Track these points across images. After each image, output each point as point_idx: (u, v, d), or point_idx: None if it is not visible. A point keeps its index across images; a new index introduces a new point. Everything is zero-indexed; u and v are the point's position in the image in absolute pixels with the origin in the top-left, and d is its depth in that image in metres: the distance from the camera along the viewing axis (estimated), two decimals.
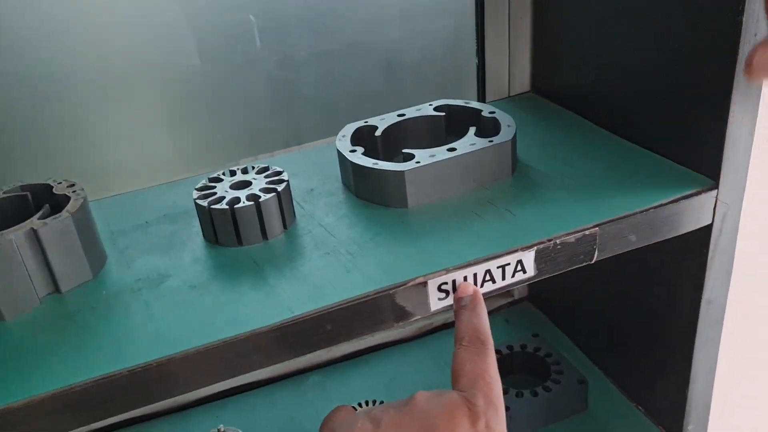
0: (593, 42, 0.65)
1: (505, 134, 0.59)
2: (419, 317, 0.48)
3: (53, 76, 0.65)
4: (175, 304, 0.48)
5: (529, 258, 0.50)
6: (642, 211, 0.52)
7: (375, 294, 0.46)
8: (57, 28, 0.64)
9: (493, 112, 0.62)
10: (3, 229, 0.48)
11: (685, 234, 0.55)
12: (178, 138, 0.74)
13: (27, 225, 0.48)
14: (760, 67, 0.38)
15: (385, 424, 0.39)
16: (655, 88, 0.58)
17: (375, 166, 0.56)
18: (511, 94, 0.78)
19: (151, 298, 0.49)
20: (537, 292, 0.89)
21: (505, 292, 0.90)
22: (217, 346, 0.44)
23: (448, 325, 0.87)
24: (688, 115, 0.55)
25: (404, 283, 0.47)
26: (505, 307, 0.89)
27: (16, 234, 0.47)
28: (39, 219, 0.49)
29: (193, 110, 0.73)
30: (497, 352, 0.75)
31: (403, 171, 0.55)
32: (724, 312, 0.60)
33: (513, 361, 0.76)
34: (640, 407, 0.72)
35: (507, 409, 0.68)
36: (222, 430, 0.67)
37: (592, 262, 0.52)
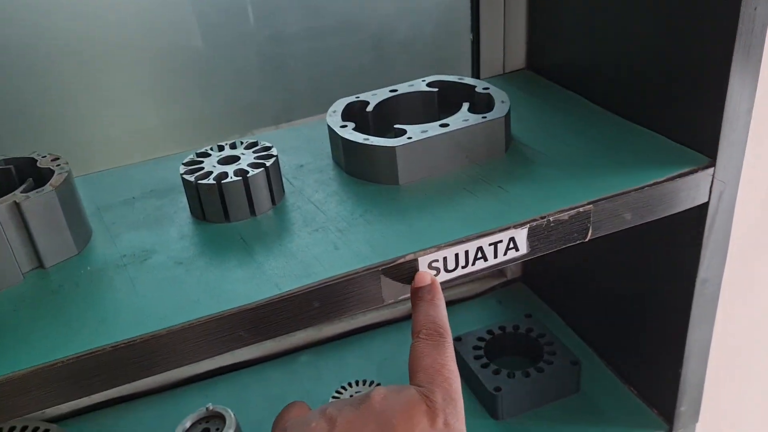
0: (589, 18, 0.64)
1: (499, 110, 0.57)
2: (407, 296, 0.48)
3: (38, 47, 0.64)
4: (161, 280, 0.47)
5: (521, 235, 0.49)
6: (637, 189, 0.51)
7: (363, 271, 0.46)
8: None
9: (487, 88, 0.61)
10: None
11: (681, 212, 0.54)
12: (167, 114, 0.72)
13: (9, 198, 0.47)
14: None
15: (341, 423, 0.38)
16: (652, 65, 0.57)
17: (366, 142, 0.55)
18: (506, 71, 0.77)
19: (136, 274, 0.48)
20: (531, 273, 0.88)
21: (498, 272, 0.90)
22: (203, 322, 0.43)
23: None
24: (685, 93, 0.54)
25: (394, 260, 0.46)
26: (498, 287, 0.88)
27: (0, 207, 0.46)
28: (22, 192, 0.48)
29: (183, 85, 0.72)
30: (489, 332, 0.75)
31: (395, 147, 0.54)
32: (719, 292, 0.59)
33: (505, 342, 0.75)
34: (632, 389, 0.71)
35: (498, 389, 0.68)
36: (210, 408, 0.67)
37: (586, 240, 0.51)
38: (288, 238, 0.50)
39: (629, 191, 0.51)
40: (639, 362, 0.70)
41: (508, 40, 0.75)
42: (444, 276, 0.48)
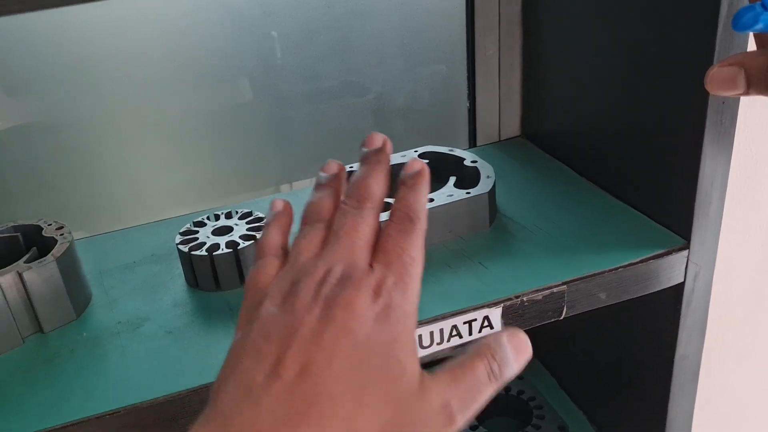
0: (576, 92, 0.66)
1: (484, 186, 0.60)
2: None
3: (52, 113, 0.68)
4: (150, 350, 0.49)
5: (496, 314, 0.51)
6: (611, 270, 0.53)
7: None
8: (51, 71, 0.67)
9: (475, 161, 0.63)
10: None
11: (659, 291, 0.55)
12: (175, 175, 0.76)
13: (13, 269, 0.50)
14: (714, 81, 0.39)
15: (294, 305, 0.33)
16: (632, 143, 0.59)
17: None
18: (501, 139, 0.79)
19: (127, 343, 0.50)
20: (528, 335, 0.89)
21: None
22: (183, 396, 0.45)
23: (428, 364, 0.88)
24: (662, 174, 0.56)
25: None
26: None
27: (4, 278, 0.50)
28: (25, 263, 0.51)
29: (191, 148, 0.75)
30: None
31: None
32: (698, 367, 0.60)
33: (496, 403, 0.76)
34: None
35: None
36: None
37: (561, 318, 0.53)
38: None
39: (603, 272, 0.53)
40: (626, 430, 0.70)
41: (503, 108, 0.78)
42: (419, 352, 0.50)
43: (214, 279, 0.55)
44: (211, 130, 0.75)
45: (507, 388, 0.76)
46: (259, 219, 0.58)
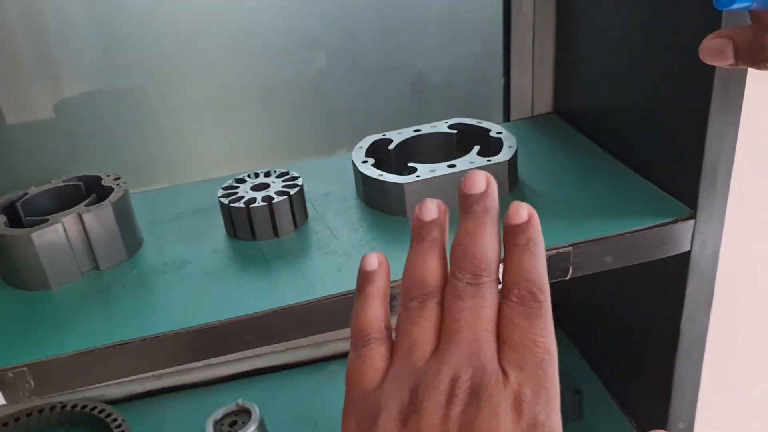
0: (604, 68, 0.69)
1: (504, 155, 0.63)
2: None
3: (120, 79, 0.75)
4: (191, 287, 0.55)
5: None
6: (618, 235, 0.56)
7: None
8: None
9: (500, 133, 0.67)
10: (58, 212, 0.57)
11: (666, 258, 0.58)
12: (225, 140, 0.82)
13: (75, 210, 0.57)
14: (705, 51, 0.39)
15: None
16: (648, 117, 0.62)
17: (380, 178, 0.62)
18: (534, 114, 0.82)
19: (172, 280, 0.57)
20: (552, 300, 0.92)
21: None
22: (217, 326, 0.51)
23: None
24: (672, 145, 0.59)
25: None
26: None
27: (66, 218, 0.56)
28: (85, 206, 0.58)
29: (241, 116, 0.81)
30: None
31: (403, 183, 0.61)
32: (705, 334, 0.62)
33: None
34: (632, 420, 0.74)
35: None
36: (240, 404, 0.75)
37: (567, 278, 0.56)
38: (301, 259, 0.58)
39: (611, 237, 0.56)
40: (638, 395, 0.73)
41: (536, 85, 0.81)
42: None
43: (251, 230, 0.60)
44: (259, 100, 0.81)
45: None
46: (294, 178, 0.64)
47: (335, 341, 0.90)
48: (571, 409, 0.74)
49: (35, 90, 0.76)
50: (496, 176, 0.62)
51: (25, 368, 0.49)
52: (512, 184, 0.64)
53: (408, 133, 0.70)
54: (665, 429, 0.67)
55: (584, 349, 0.85)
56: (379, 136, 0.70)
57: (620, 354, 0.76)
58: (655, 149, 0.61)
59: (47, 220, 0.56)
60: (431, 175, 0.61)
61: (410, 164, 0.63)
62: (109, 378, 0.51)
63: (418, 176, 0.61)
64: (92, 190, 0.62)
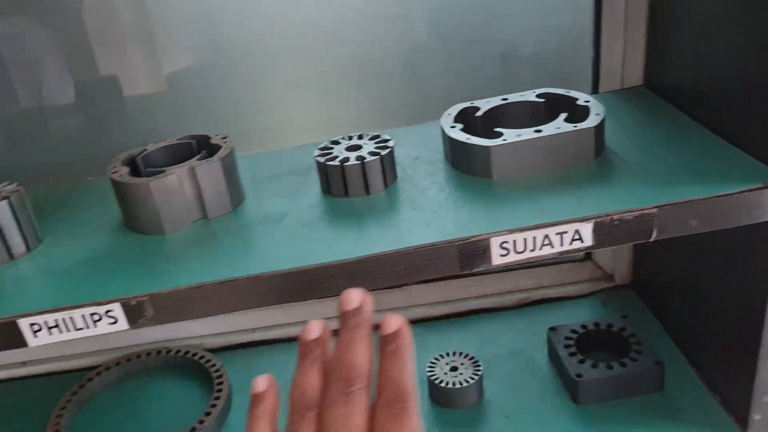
0: (696, 39, 0.68)
1: (591, 121, 0.64)
2: (482, 269, 0.57)
3: (229, 50, 0.81)
4: (289, 235, 0.60)
5: (587, 229, 0.56)
6: (705, 199, 0.56)
7: (443, 244, 0.56)
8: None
9: (588, 101, 0.68)
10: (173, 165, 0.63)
11: (752, 228, 0.57)
12: (323, 108, 0.87)
13: (188, 164, 0.63)
14: None
15: None
16: (744, 87, 0.61)
17: (467, 141, 0.65)
18: (623, 87, 0.82)
19: (272, 229, 0.61)
20: (639, 280, 0.92)
21: (608, 276, 0.94)
22: (313, 268, 0.55)
23: (545, 300, 0.93)
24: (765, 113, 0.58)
25: (470, 238, 0.56)
26: (606, 291, 0.93)
27: (180, 170, 0.62)
28: (197, 160, 0.64)
29: (337, 86, 0.86)
30: (583, 327, 0.81)
31: (490, 146, 0.63)
32: None
33: (597, 338, 0.81)
34: (716, 395, 0.74)
35: (579, 376, 0.74)
36: None
37: (651, 240, 0.57)
38: (391, 214, 0.61)
39: (696, 200, 0.56)
40: (722, 369, 0.73)
41: (626, 58, 0.81)
42: (514, 257, 0.57)
43: (344, 187, 0.64)
44: (354, 72, 0.85)
45: (609, 324, 0.81)
46: (385, 140, 0.67)
47: (418, 306, 0.93)
48: (651, 379, 0.75)
49: (149, 64, 0.83)
50: (582, 143, 0.64)
51: (146, 298, 0.54)
52: (598, 151, 0.65)
53: (495, 101, 0.73)
54: (749, 403, 0.67)
55: (668, 325, 0.84)
56: (467, 104, 0.73)
57: (704, 329, 0.76)
58: (750, 117, 0.61)
59: (164, 171, 0.62)
60: (517, 139, 0.63)
61: (496, 129, 0.66)
62: (216, 311, 0.56)
63: (504, 140, 0.63)
64: (203, 147, 0.68)
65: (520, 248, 0.56)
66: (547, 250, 0.57)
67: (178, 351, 0.88)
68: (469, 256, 0.56)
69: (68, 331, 0.55)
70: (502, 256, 0.56)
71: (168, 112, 0.86)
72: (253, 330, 0.92)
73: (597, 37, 0.82)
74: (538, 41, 0.84)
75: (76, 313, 0.55)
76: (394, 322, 0.37)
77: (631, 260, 0.92)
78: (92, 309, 0.54)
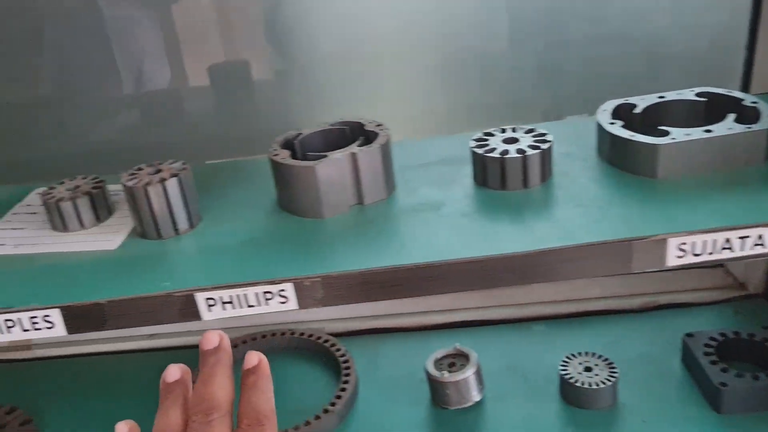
0: None
1: (765, 123, 0.62)
2: (653, 270, 0.55)
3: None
4: (450, 225, 0.60)
5: None
6: None
7: (617, 242, 0.54)
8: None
9: (756, 102, 0.65)
10: (330, 151, 0.64)
11: None
12: (453, 101, 0.87)
13: (349, 149, 0.63)
14: None
15: None
16: None
17: (632, 138, 0.63)
18: None
19: (431, 218, 0.61)
20: None
21: (740, 285, 0.91)
22: (479, 260, 0.55)
23: (672, 305, 0.91)
24: None
25: (647, 237, 0.54)
26: (738, 299, 0.90)
27: (342, 155, 0.63)
28: (358, 146, 0.64)
29: (467, 77, 0.85)
30: (722, 335, 0.78)
31: (658, 145, 0.61)
32: None
33: (738, 347, 0.78)
34: None
35: (723, 385, 0.72)
36: (458, 347, 0.79)
37: None
38: (554, 208, 0.60)
39: None
40: None
41: None
42: (690, 259, 0.55)
43: (502, 179, 0.64)
44: (492, 65, 0.84)
45: (750, 334, 0.78)
46: (543, 134, 0.66)
47: (540, 303, 0.92)
48: None
49: (286, 56, 0.84)
50: (754, 145, 0.62)
51: (319, 279, 0.55)
52: None
53: (652, 99, 0.71)
54: None
55: None
56: (621, 100, 0.71)
57: None
58: None
59: (326, 155, 0.63)
60: (686, 138, 0.61)
61: (661, 127, 0.64)
62: (384, 297, 0.56)
63: (673, 139, 0.62)
64: (356, 133, 0.68)
65: (698, 250, 0.55)
66: (726, 254, 0.55)
67: (302, 333, 0.89)
68: (642, 257, 0.55)
69: (241, 307, 0.56)
70: (678, 257, 0.55)
71: (300, 98, 0.88)
72: (376, 317, 0.93)
73: (752, 37, 0.79)
74: (686, 38, 0.82)
75: (250, 291, 0.56)
76: (254, 358, 0.42)
77: (766, 269, 0.89)
78: (266, 287, 0.55)
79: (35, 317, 0.58)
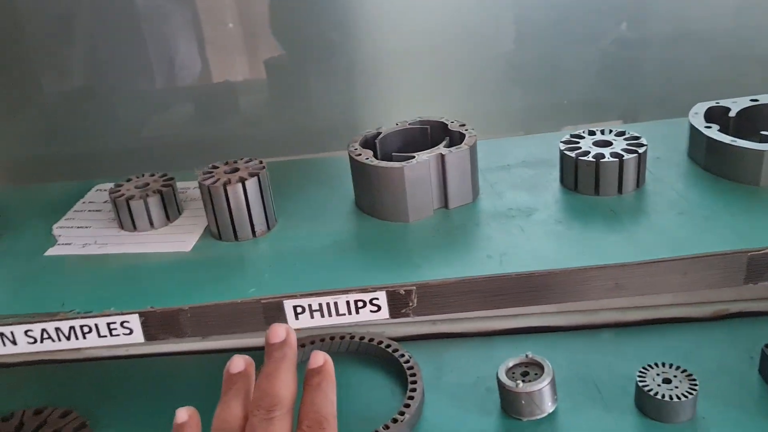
0: None
1: None
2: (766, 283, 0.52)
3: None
4: (547, 232, 0.57)
5: None
6: None
7: (733, 253, 0.51)
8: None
9: None
10: (409, 151, 0.61)
11: None
12: (518, 100, 0.84)
13: (437, 150, 0.61)
14: None
15: None
16: None
17: (733, 143, 0.60)
18: None
19: (524, 224, 0.59)
20: None
21: None
22: (584, 270, 0.52)
23: (746, 314, 0.88)
24: None
25: (762, 249, 0.51)
26: None
27: (429, 156, 0.60)
28: (445, 147, 0.61)
29: (537, 77, 0.82)
30: None
31: (764, 151, 0.58)
32: None
33: None
34: None
35: None
36: (530, 356, 0.77)
37: None
38: (655, 216, 0.57)
39: None
40: None
41: None
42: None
43: (595, 184, 0.61)
44: (557, 64, 0.81)
45: None
46: (637, 137, 0.63)
47: (609, 310, 0.89)
48: None
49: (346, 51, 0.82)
50: None
51: (414, 288, 0.53)
52: None
53: (744, 102, 0.68)
54: None
55: None
56: (712, 103, 0.68)
57: None
58: None
59: (414, 156, 0.60)
60: None
61: (763, 132, 0.61)
62: (479, 307, 0.54)
63: None
64: (437, 133, 0.66)
65: None
66: None
67: (362, 338, 0.87)
68: (757, 269, 0.52)
69: (330, 316, 0.54)
70: None
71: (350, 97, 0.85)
72: (435, 322, 0.91)
73: None
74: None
75: (341, 299, 0.53)
76: (320, 358, 0.40)
77: None
78: (358, 296, 0.53)
79: (113, 323, 0.55)
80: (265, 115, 0.91)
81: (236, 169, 0.62)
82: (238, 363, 0.41)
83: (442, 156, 0.60)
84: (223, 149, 0.86)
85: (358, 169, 0.62)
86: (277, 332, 0.41)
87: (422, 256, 0.56)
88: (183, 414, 0.41)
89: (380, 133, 0.66)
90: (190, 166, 0.67)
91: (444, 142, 0.62)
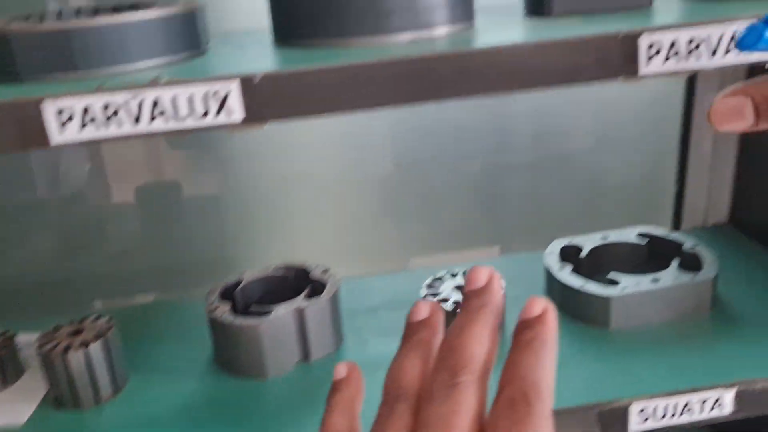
0: None
1: (708, 271, 0.63)
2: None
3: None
4: None
5: (728, 396, 0.54)
6: None
7: (578, 408, 0.52)
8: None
9: (695, 246, 0.67)
10: (270, 303, 0.59)
11: None
12: (386, 233, 0.85)
13: (295, 303, 0.59)
14: (718, 115, 0.34)
15: None
16: None
17: (582, 288, 0.63)
18: (707, 224, 0.82)
19: None
20: None
21: None
22: None
23: None
24: None
25: (609, 403, 0.52)
26: None
27: (287, 311, 0.59)
28: (304, 299, 0.60)
29: (400, 209, 0.84)
30: None
31: (611, 297, 0.61)
32: None
33: None
34: None
35: None
36: None
37: None
38: None
39: None
40: None
41: (712, 194, 0.80)
42: (650, 424, 0.54)
43: None
44: (425, 191, 0.83)
45: None
46: None
47: None
48: None
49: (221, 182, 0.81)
50: (700, 294, 0.62)
51: None
52: (713, 301, 0.64)
53: (595, 240, 0.71)
54: None
55: None
56: (566, 241, 0.71)
57: None
58: None
59: (270, 311, 0.58)
60: (636, 289, 0.61)
61: (610, 276, 0.64)
62: None
63: (624, 288, 0.61)
64: (301, 280, 0.65)
65: (659, 415, 0.53)
66: (685, 418, 0.54)
67: None
68: (606, 423, 0.53)
69: None
70: (638, 425, 0.53)
71: (223, 228, 0.83)
72: None
73: (681, 173, 0.82)
74: (622, 174, 0.84)
75: None
76: (539, 305, 0.30)
77: None
78: None
79: None
80: (136, 247, 0.87)
81: (80, 331, 0.58)
82: (423, 309, 0.32)
83: (301, 310, 0.59)
84: (88, 287, 0.82)
85: (214, 325, 0.60)
86: (478, 276, 0.31)
87: (280, 422, 0.54)
88: (341, 369, 0.33)
89: (241, 281, 0.64)
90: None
91: (306, 291, 0.61)
